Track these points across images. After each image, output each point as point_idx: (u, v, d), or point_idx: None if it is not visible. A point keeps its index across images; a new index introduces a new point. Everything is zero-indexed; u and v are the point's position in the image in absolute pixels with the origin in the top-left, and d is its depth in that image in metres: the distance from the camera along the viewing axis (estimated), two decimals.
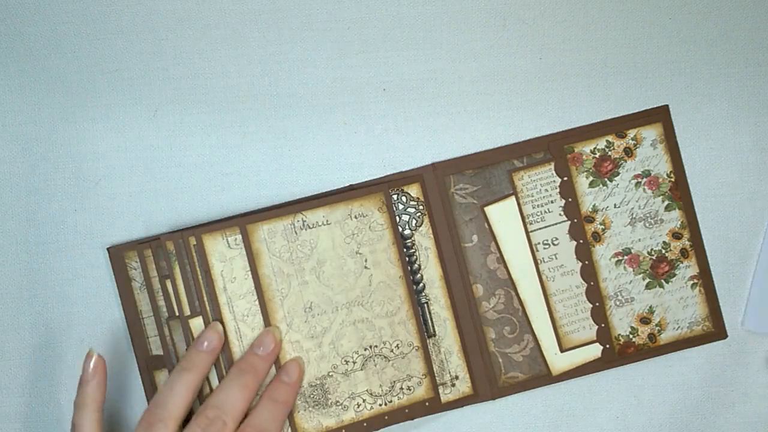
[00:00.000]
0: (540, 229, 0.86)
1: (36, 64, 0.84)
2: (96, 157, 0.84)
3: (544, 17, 0.85)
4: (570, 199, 0.86)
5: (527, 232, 0.86)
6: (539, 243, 0.86)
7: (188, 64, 0.84)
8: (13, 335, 0.84)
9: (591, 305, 0.86)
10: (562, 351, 0.86)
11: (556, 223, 0.86)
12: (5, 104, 0.84)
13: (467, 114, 0.85)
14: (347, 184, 0.85)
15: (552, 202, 0.86)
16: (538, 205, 0.85)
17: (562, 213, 0.86)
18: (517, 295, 0.85)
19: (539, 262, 0.86)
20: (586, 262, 0.86)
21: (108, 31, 0.83)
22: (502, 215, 0.85)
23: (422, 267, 0.85)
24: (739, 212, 0.87)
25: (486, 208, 0.85)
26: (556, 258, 0.86)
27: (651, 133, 0.86)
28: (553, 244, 0.86)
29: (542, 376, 0.86)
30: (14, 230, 0.84)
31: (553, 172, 0.86)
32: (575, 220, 0.86)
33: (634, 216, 0.86)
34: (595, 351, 0.86)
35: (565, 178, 0.86)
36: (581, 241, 0.86)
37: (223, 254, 0.82)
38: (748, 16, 0.86)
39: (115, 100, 0.84)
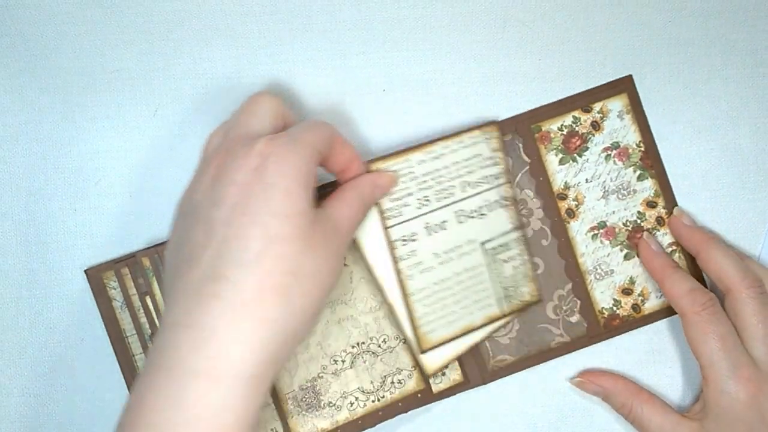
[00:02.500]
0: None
1: (36, 64, 0.84)
2: (96, 156, 0.85)
3: (544, 19, 0.85)
4: (541, 179, 0.85)
5: None
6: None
7: (188, 65, 0.85)
8: (12, 335, 0.84)
9: (571, 282, 0.86)
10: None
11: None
12: (5, 103, 0.84)
13: (467, 114, 0.86)
14: (319, 184, 0.85)
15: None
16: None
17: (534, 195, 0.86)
18: None
19: None
20: (562, 239, 0.86)
21: (108, 31, 0.84)
22: None
23: None
24: (739, 213, 0.87)
25: None
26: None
27: (617, 104, 0.86)
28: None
29: (531, 356, 0.86)
30: (14, 230, 0.84)
31: (522, 153, 0.86)
32: (548, 199, 0.85)
33: (606, 189, 0.86)
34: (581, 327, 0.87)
35: (535, 158, 0.86)
36: (555, 219, 0.86)
37: None
38: (747, 18, 0.86)
39: (115, 99, 0.85)
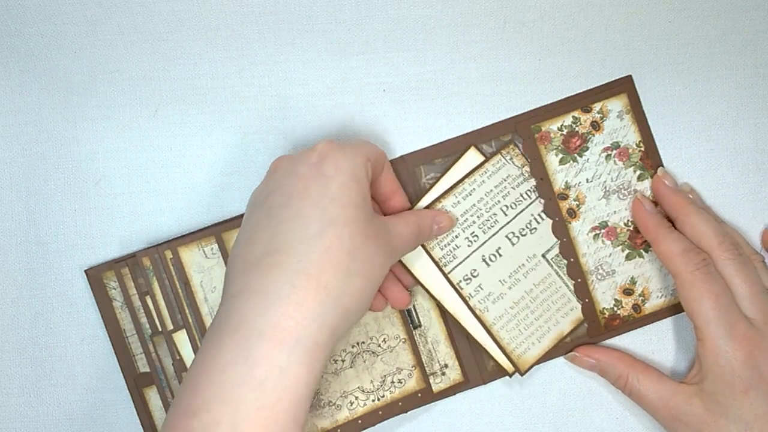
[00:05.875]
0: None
1: (36, 64, 0.84)
2: (96, 157, 0.85)
3: (543, 20, 0.85)
4: (541, 179, 0.85)
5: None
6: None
7: (188, 65, 0.85)
8: (12, 335, 0.84)
9: (573, 282, 0.86)
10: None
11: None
12: (5, 104, 0.84)
13: (467, 115, 0.85)
14: None
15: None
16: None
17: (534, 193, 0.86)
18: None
19: None
20: (564, 240, 0.86)
21: (108, 32, 0.84)
22: None
23: None
24: (739, 213, 0.87)
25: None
26: None
27: (616, 104, 0.86)
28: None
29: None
30: (14, 230, 0.84)
31: (523, 152, 0.86)
32: (549, 199, 0.86)
33: (607, 189, 0.86)
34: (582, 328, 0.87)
35: (535, 158, 0.86)
36: (557, 219, 0.86)
37: (201, 265, 0.82)
38: (746, 19, 0.86)
39: (116, 100, 0.85)
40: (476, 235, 0.84)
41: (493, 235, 0.84)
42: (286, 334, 0.64)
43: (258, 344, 0.63)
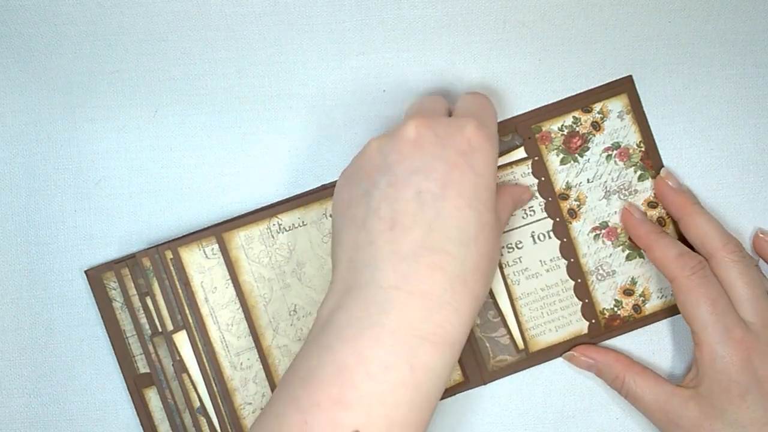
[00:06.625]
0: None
1: (36, 64, 0.84)
2: (96, 157, 0.84)
3: (543, 20, 0.85)
4: (543, 178, 0.86)
5: None
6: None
7: (188, 65, 0.84)
8: (13, 336, 0.84)
9: (573, 282, 0.86)
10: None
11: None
12: (5, 104, 0.84)
13: None
14: (319, 184, 0.85)
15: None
16: None
17: (536, 194, 0.86)
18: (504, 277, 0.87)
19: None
20: (565, 240, 0.86)
21: (109, 32, 0.84)
22: None
23: None
24: (739, 213, 0.87)
25: None
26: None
27: (617, 105, 0.86)
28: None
29: (531, 356, 0.86)
30: (14, 230, 0.84)
31: (524, 152, 0.86)
32: (550, 199, 0.86)
33: (608, 189, 0.86)
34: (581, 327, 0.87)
35: (536, 158, 0.86)
36: (558, 219, 0.86)
37: (202, 265, 0.82)
38: (747, 20, 0.86)
39: (116, 100, 0.84)
40: (534, 210, 0.86)
41: (549, 217, 0.86)
42: (445, 339, 0.65)
43: (420, 348, 0.64)
